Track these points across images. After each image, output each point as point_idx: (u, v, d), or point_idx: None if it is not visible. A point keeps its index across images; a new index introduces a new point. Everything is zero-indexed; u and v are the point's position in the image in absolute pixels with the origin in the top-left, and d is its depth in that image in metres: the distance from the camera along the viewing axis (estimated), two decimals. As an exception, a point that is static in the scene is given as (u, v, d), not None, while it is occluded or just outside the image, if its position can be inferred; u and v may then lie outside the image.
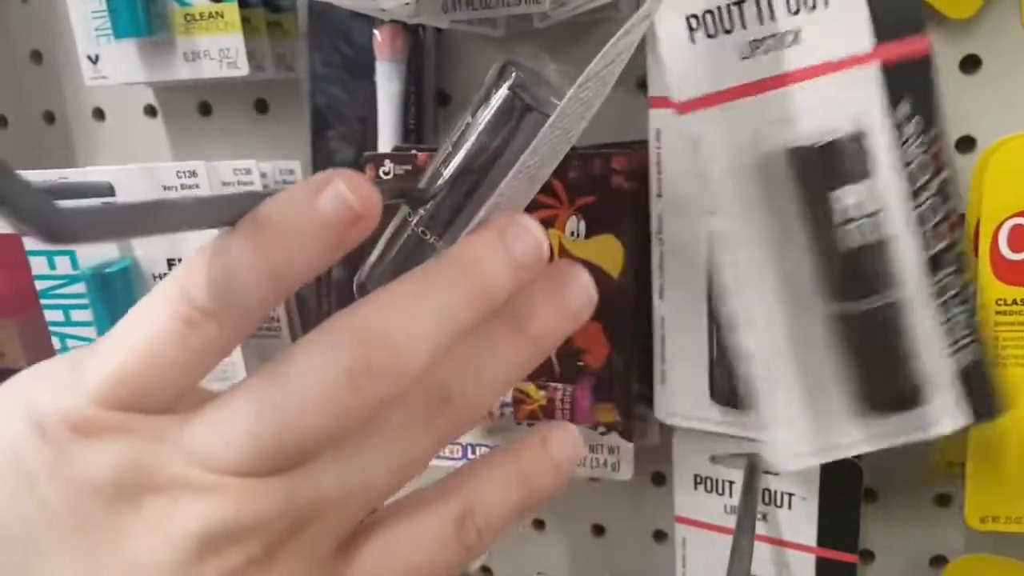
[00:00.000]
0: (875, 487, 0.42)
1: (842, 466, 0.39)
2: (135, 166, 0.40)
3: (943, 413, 0.32)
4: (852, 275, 0.30)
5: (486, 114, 0.29)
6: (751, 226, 0.30)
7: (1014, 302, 0.35)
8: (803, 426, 0.32)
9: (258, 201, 0.17)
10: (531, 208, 0.33)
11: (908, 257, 0.30)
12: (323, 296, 0.43)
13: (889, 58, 0.29)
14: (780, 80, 0.29)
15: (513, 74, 0.28)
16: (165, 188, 0.40)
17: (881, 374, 0.31)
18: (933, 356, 0.31)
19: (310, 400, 0.17)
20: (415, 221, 0.30)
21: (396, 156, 0.38)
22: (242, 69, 0.41)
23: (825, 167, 0.29)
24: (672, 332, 0.36)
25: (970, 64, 0.36)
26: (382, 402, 0.18)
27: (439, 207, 0.29)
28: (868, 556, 0.43)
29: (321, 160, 0.43)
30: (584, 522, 0.47)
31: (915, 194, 0.29)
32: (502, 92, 0.29)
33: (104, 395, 0.17)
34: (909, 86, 0.29)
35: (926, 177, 0.29)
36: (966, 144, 0.37)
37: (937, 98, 0.30)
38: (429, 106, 0.42)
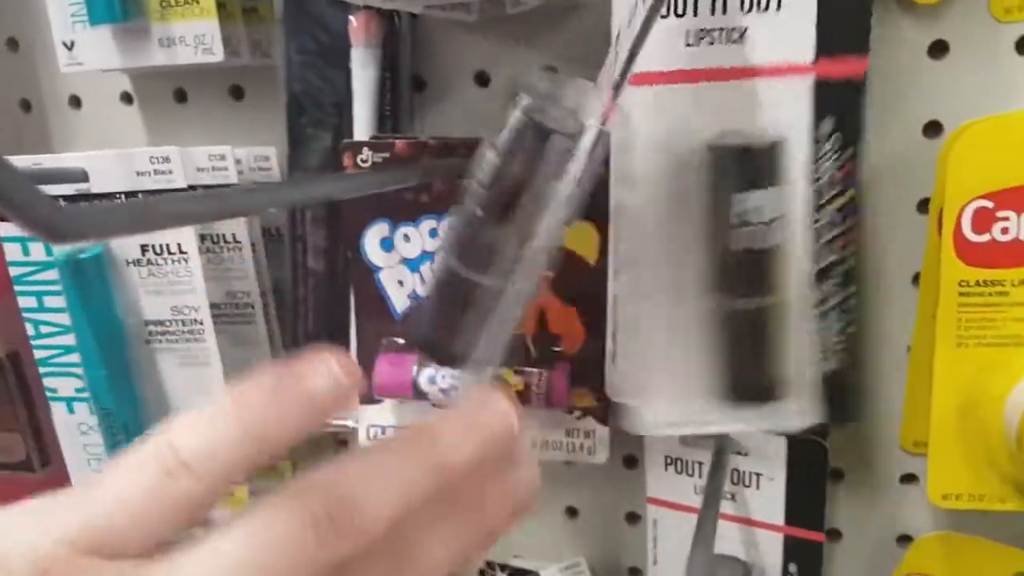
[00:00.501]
0: (842, 467, 0.42)
1: (807, 446, 0.40)
2: (108, 152, 0.40)
3: (798, 412, 0.33)
4: (737, 275, 0.30)
5: (504, 141, 0.29)
6: (658, 207, 0.31)
7: (977, 283, 0.35)
8: (666, 399, 0.33)
9: (253, 195, 0.18)
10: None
11: (796, 266, 0.31)
12: (299, 284, 0.44)
13: (825, 73, 0.30)
14: (717, 74, 0.29)
15: (525, 100, 0.28)
16: (139, 174, 0.40)
17: (744, 369, 0.32)
18: (799, 359, 0.32)
19: (275, 549, 0.18)
20: (454, 258, 0.30)
21: (375, 144, 0.39)
22: (217, 55, 0.41)
23: (738, 169, 0.29)
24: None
25: (938, 49, 0.36)
26: (343, 556, 0.19)
27: (476, 244, 0.30)
28: (836, 535, 0.44)
29: (297, 146, 0.43)
30: (558, 505, 0.48)
31: (818, 208, 0.30)
32: (515, 116, 0.29)
33: (79, 539, 0.18)
34: (838, 104, 0.30)
35: (832, 193, 0.30)
36: (933, 129, 0.37)
37: (862, 120, 0.30)
38: (405, 92, 0.42)
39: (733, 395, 0.32)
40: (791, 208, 0.30)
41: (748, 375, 0.31)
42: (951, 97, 0.37)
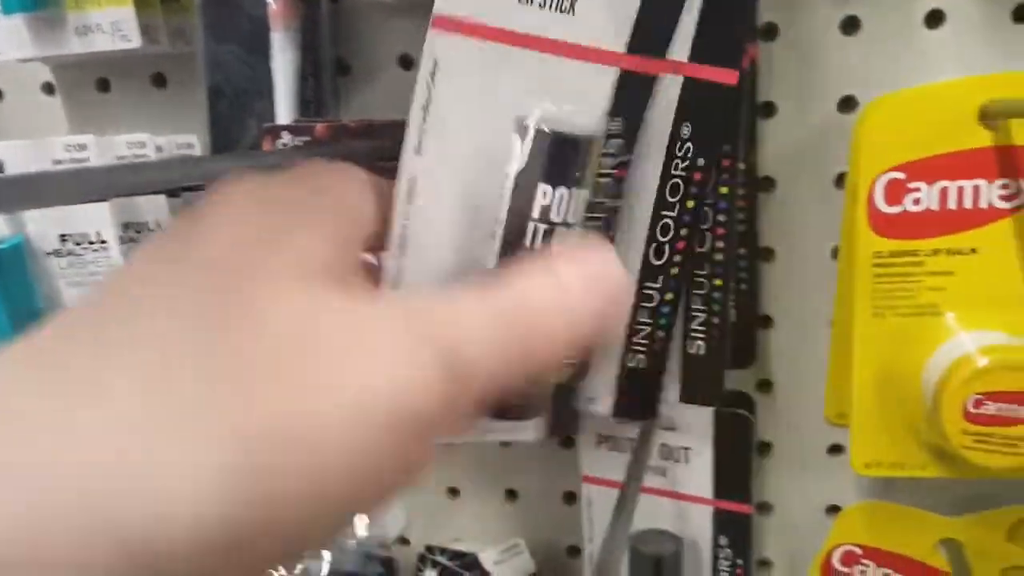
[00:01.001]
0: (771, 440, 0.43)
1: (733, 418, 0.40)
2: (24, 141, 0.40)
3: (597, 406, 0.33)
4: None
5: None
6: (452, 180, 0.26)
7: (891, 254, 0.36)
8: None
9: (137, 172, 0.18)
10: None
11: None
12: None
13: (631, 68, 0.27)
14: (540, 43, 0.26)
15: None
16: (56, 162, 0.39)
17: None
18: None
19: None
20: None
21: (295, 128, 0.38)
22: (134, 42, 0.41)
23: (545, 156, 0.25)
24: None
25: (850, 26, 0.37)
26: None
27: None
28: (767, 508, 0.44)
29: (219, 133, 0.42)
30: (497, 487, 0.48)
31: (590, 207, 0.27)
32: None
33: None
34: (632, 102, 0.27)
35: (676, 199, 0.29)
36: (847, 104, 0.38)
37: (719, 132, 0.28)
38: (327, 76, 0.42)
39: None
40: (635, 197, 0.28)
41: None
42: (864, 72, 0.37)
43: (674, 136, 0.28)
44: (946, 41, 0.36)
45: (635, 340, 0.32)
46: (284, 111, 0.41)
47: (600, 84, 0.26)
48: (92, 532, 0.13)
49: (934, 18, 0.36)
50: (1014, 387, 0.34)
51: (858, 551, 0.43)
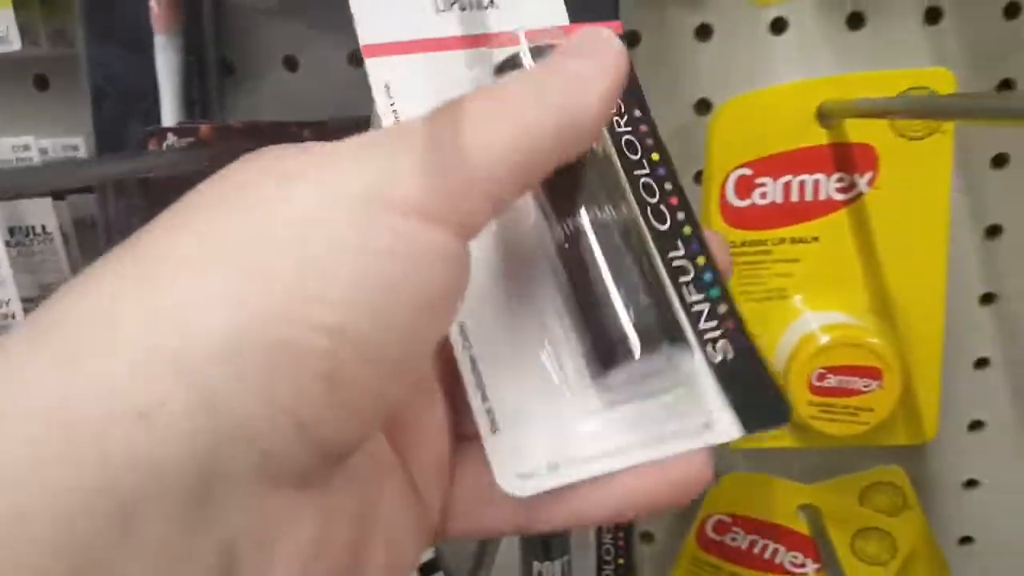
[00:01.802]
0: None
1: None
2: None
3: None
4: None
5: None
6: None
7: (743, 244, 0.39)
8: None
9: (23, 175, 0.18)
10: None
11: None
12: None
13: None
14: (473, 41, 0.28)
15: None
16: (-67, 166, 0.39)
17: None
18: None
19: None
20: None
21: (180, 130, 0.39)
22: (14, 44, 0.41)
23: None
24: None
25: (703, 32, 0.40)
26: None
27: None
28: (645, 482, 0.47)
29: (105, 136, 0.43)
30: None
31: (628, 170, 0.27)
32: None
33: None
34: None
35: (638, 156, 0.28)
36: (703, 106, 0.41)
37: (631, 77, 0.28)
38: (212, 77, 0.42)
39: None
40: None
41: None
42: (717, 76, 0.40)
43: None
44: (790, 46, 0.40)
45: (703, 327, 0.25)
46: (169, 113, 0.41)
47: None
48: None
49: (779, 25, 0.40)
50: (852, 361, 0.38)
51: (728, 520, 0.46)
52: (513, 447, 0.21)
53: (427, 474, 0.20)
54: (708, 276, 0.26)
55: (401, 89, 0.28)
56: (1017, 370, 0.43)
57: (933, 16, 0.39)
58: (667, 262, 0.26)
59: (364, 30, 0.27)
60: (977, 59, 0.39)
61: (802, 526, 0.46)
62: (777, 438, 0.42)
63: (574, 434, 0.22)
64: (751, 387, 0.23)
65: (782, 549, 0.46)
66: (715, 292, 0.26)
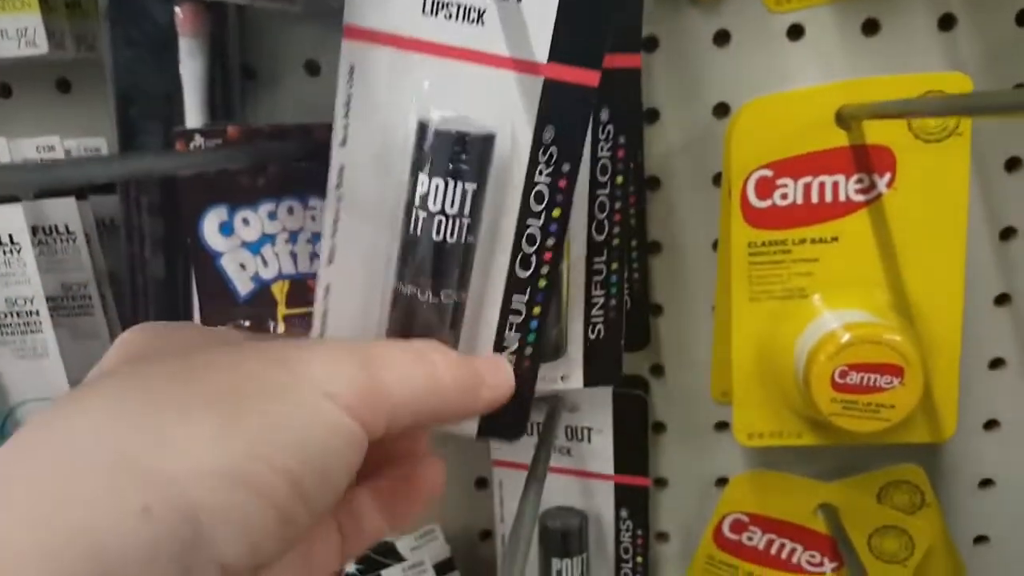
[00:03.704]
0: (664, 419, 0.47)
1: (630, 401, 0.43)
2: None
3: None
4: (411, 261, 0.28)
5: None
6: (368, 175, 0.29)
7: (763, 244, 0.40)
8: None
9: (82, 166, 0.19)
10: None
11: (476, 266, 0.29)
12: (136, 273, 0.44)
13: (557, 77, 0.27)
14: (449, 51, 0.28)
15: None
16: (-40, 167, 0.39)
17: None
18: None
19: None
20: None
21: (207, 131, 0.39)
22: (41, 48, 0.41)
23: (440, 154, 0.26)
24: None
25: (721, 38, 0.41)
26: None
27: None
28: (663, 482, 0.48)
29: (128, 138, 0.43)
30: (412, 476, 0.50)
31: (523, 216, 0.28)
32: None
33: None
34: (563, 112, 0.27)
35: (540, 207, 0.28)
36: (722, 109, 0.41)
37: (581, 135, 0.28)
38: (235, 81, 0.43)
39: None
40: (488, 209, 0.28)
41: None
42: (735, 80, 0.41)
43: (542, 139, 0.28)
44: (806, 52, 0.40)
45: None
46: (193, 116, 0.42)
47: (517, 92, 0.28)
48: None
49: (795, 31, 0.40)
50: (873, 359, 0.38)
51: (745, 519, 0.47)
52: None
53: None
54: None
55: (361, 79, 0.28)
56: (1030, 370, 0.44)
57: (947, 22, 0.40)
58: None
59: (351, 10, 0.28)
60: (991, 64, 0.40)
61: (820, 525, 0.46)
62: (799, 436, 0.42)
63: None
64: None
65: (799, 548, 0.46)
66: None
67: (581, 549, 0.45)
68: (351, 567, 0.47)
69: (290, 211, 0.40)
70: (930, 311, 0.40)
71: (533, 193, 0.28)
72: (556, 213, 0.28)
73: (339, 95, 0.29)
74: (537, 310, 0.29)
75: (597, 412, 0.43)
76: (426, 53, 0.28)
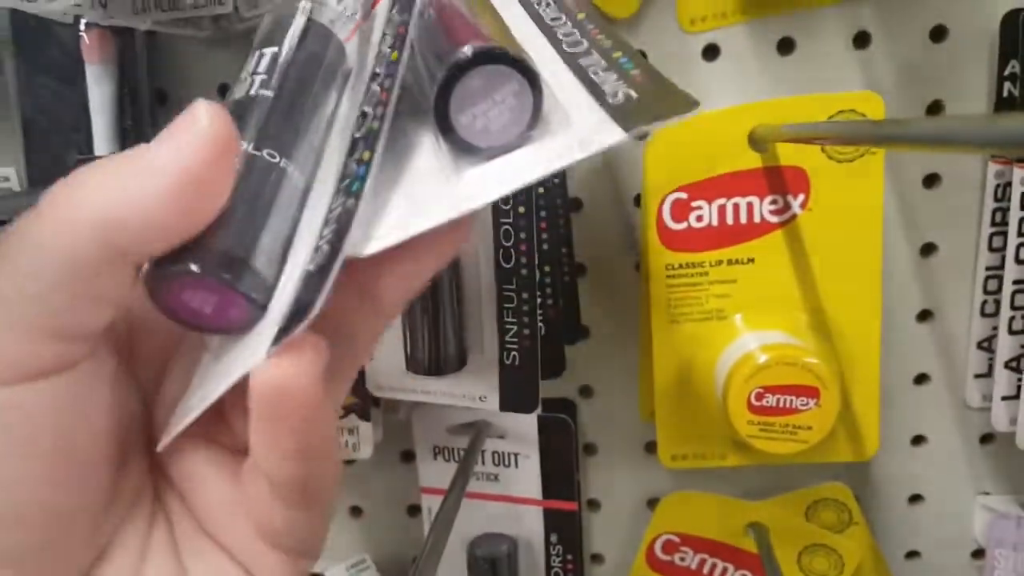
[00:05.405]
0: (594, 441, 0.46)
1: (555, 424, 0.43)
2: None
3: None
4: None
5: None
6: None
7: (680, 266, 0.39)
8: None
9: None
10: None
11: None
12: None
13: None
14: None
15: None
16: None
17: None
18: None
19: None
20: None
21: (114, 159, 0.38)
22: (-58, 75, 0.40)
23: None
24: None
25: (639, 58, 0.40)
26: None
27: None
28: (595, 504, 0.47)
29: (37, 165, 0.42)
30: (342, 505, 0.49)
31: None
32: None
33: None
34: None
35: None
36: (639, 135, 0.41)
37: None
38: (146, 107, 0.42)
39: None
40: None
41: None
42: (652, 100, 0.41)
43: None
44: (722, 72, 0.40)
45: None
46: (101, 142, 0.41)
47: None
48: None
49: (711, 51, 0.40)
50: (790, 381, 0.38)
51: (676, 539, 0.46)
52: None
53: None
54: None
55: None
56: (956, 385, 0.44)
57: (862, 40, 0.40)
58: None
59: None
60: (905, 82, 0.40)
61: (750, 544, 0.46)
62: (722, 457, 0.42)
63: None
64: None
65: (731, 568, 0.46)
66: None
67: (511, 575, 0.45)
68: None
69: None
70: (849, 329, 0.40)
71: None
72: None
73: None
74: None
75: (523, 437, 0.43)
76: None
